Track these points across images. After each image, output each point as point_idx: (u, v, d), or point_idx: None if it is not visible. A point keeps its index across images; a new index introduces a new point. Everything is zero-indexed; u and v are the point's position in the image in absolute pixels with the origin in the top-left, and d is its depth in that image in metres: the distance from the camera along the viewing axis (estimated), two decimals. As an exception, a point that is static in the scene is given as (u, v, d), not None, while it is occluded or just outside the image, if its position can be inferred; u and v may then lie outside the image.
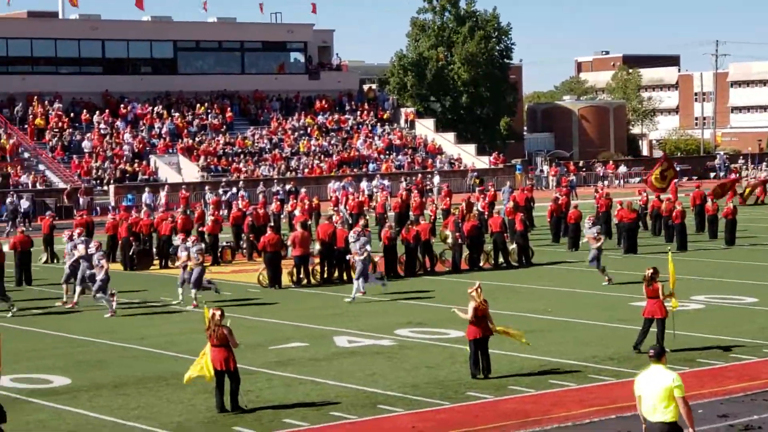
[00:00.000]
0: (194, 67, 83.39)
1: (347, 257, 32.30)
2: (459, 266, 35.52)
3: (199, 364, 18.44)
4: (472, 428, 17.28)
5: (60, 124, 72.86)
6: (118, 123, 74.72)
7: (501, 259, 36.53)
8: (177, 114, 77.61)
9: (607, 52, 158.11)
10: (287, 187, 62.02)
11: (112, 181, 67.66)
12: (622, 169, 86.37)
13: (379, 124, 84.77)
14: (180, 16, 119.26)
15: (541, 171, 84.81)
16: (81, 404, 19.07)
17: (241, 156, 74.34)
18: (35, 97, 74.00)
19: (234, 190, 60.14)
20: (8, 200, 55.68)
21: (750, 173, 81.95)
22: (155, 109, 77.37)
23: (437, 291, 31.24)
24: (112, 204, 61.61)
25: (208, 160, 72.53)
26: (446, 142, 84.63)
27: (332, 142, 79.68)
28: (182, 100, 79.86)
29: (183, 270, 29.55)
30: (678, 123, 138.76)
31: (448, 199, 50.22)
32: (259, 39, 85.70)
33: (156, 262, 38.39)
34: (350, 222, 42.53)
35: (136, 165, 70.15)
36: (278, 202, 50.98)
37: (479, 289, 20.49)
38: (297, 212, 44.44)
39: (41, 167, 68.08)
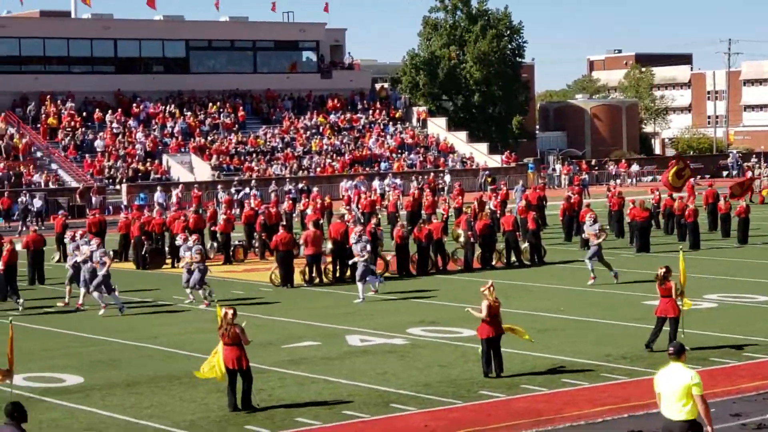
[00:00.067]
0: (206, 66, 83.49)
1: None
2: (471, 265, 35.48)
3: (210, 362, 18.49)
4: (485, 427, 17.26)
5: (72, 123, 73.02)
6: (131, 122, 74.87)
7: (513, 258, 36.47)
8: (189, 113, 77.72)
9: (620, 51, 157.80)
10: (299, 186, 62.09)
11: (124, 180, 67.78)
12: (635, 167, 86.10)
13: (391, 123, 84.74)
14: (192, 15, 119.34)
15: (554, 170, 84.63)
16: (94, 403, 19.09)
17: (254, 155, 74.41)
18: (48, 97, 74.23)
19: (246, 189, 60.15)
20: (20, 199, 55.86)
21: (763, 171, 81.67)
22: (167, 108, 77.49)
23: (449, 290, 31.19)
24: (125, 203, 61.72)
25: (221, 159, 72.62)
26: (458, 140, 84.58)
27: (344, 141, 79.69)
28: (194, 100, 79.96)
29: (187, 271, 29.55)
30: (690, 122, 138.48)
31: (460, 197, 50.15)
32: (271, 38, 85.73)
33: (168, 261, 38.45)
34: (362, 221, 42.48)
35: (148, 164, 70.24)
36: (290, 201, 50.96)
37: (492, 288, 20.49)
38: (309, 211, 44.40)
39: (54, 166, 68.26)
